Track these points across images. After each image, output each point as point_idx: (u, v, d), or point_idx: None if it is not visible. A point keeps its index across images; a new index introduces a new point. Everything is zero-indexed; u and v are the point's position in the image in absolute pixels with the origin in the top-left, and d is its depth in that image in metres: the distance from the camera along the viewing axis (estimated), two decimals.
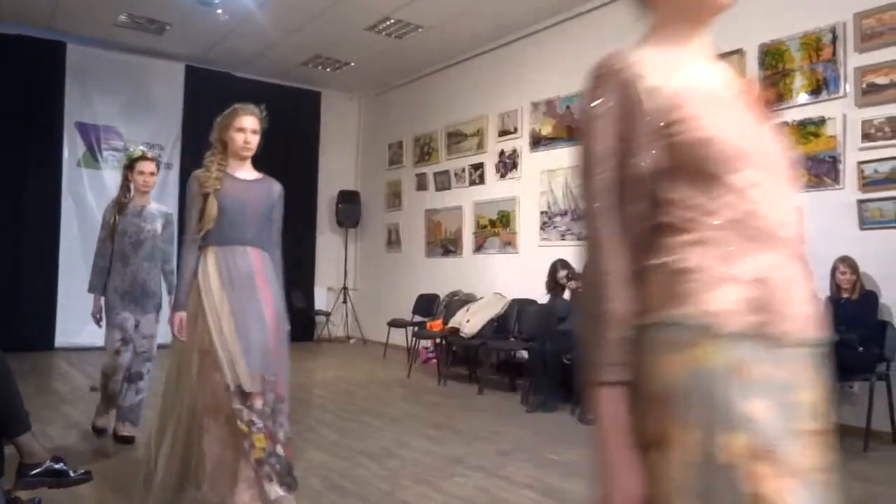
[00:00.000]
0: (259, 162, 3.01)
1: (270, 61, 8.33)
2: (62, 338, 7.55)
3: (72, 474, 2.75)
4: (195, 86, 8.36)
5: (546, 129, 6.79)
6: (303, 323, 8.68)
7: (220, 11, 6.73)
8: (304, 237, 9.17)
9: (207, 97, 8.02)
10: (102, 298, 3.91)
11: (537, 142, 6.89)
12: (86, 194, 7.89)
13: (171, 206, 8.53)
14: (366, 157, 9.82)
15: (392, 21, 6.94)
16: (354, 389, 5.96)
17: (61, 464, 2.74)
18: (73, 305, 7.60)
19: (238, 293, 2.72)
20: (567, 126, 6.56)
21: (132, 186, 3.98)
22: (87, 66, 7.87)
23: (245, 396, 2.62)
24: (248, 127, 2.83)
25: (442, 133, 8.20)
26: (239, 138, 2.82)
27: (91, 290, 3.92)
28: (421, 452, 3.94)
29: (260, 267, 2.80)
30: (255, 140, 2.85)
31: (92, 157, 7.98)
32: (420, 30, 7.13)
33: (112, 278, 3.86)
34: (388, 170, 9.22)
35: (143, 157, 3.96)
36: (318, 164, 9.56)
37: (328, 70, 8.67)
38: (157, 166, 4.06)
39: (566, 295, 5.44)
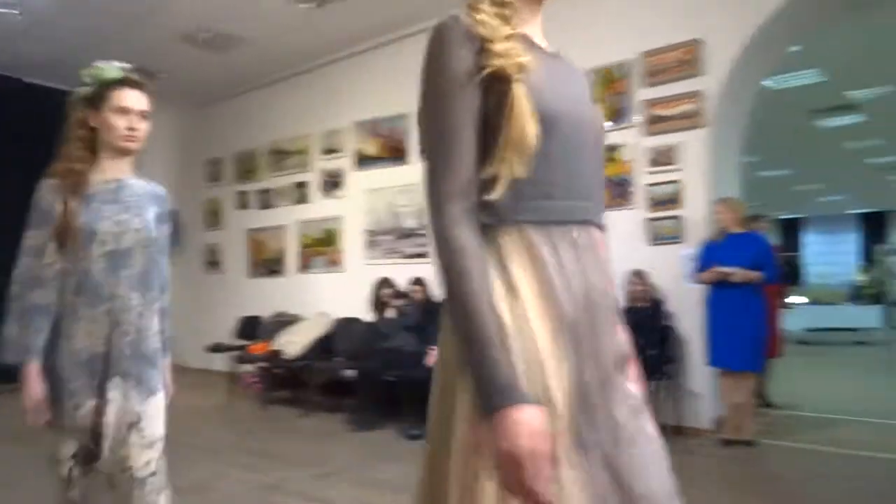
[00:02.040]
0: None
1: (72, 68, 7.65)
2: None
3: None
4: None
5: (370, 149, 6.85)
6: None
7: (16, 13, 6.07)
8: None
9: None
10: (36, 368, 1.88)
11: (362, 161, 6.93)
12: None
13: None
14: (183, 174, 9.28)
15: (211, 33, 6.66)
16: (170, 419, 5.56)
17: None
18: None
19: (595, 349, 1.09)
20: (391, 146, 6.66)
21: (102, 142, 2.02)
22: None
23: None
24: None
25: (265, 150, 7.98)
26: None
27: (15, 355, 1.87)
28: (238, 482, 3.76)
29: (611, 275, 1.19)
30: None
31: None
32: (242, 43, 6.91)
33: (66, 331, 1.90)
34: (206, 187, 8.79)
35: (127, 80, 2.04)
36: None
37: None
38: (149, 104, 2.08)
39: (390, 313, 5.49)
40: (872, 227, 19.61)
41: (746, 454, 4.27)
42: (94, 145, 2.02)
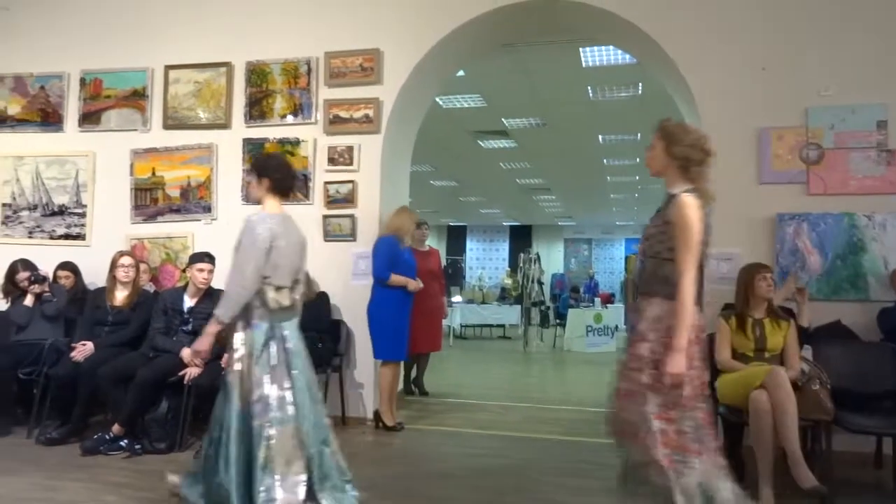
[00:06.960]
0: None
1: None
2: None
3: None
4: None
5: (14, 109, 5.85)
6: None
7: None
8: None
9: None
10: None
11: (2, 121, 5.89)
12: None
13: None
14: None
15: None
16: None
17: None
18: None
19: None
20: (40, 108, 5.78)
21: None
22: None
23: None
24: None
25: None
26: None
27: None
28: None
29: None
30: None
31: None
32: None
33: None
34: None
35: None
36: None
37: None
38: None
39: (28, 301, 4.75)
40: (519, 237, 22.92)
41: (393, 437, 4.65)
42: None
